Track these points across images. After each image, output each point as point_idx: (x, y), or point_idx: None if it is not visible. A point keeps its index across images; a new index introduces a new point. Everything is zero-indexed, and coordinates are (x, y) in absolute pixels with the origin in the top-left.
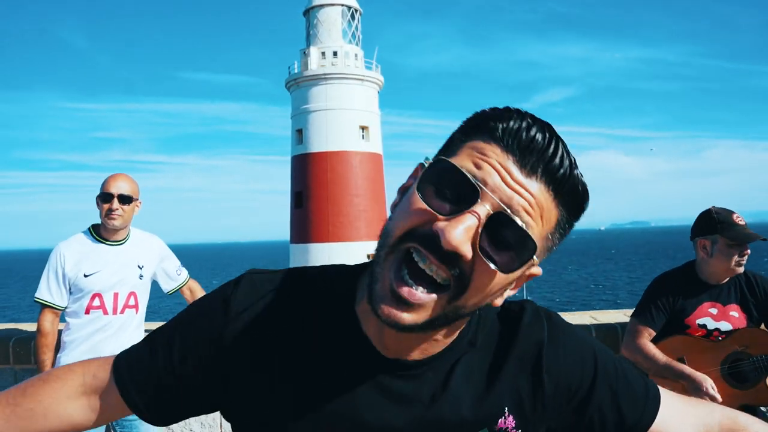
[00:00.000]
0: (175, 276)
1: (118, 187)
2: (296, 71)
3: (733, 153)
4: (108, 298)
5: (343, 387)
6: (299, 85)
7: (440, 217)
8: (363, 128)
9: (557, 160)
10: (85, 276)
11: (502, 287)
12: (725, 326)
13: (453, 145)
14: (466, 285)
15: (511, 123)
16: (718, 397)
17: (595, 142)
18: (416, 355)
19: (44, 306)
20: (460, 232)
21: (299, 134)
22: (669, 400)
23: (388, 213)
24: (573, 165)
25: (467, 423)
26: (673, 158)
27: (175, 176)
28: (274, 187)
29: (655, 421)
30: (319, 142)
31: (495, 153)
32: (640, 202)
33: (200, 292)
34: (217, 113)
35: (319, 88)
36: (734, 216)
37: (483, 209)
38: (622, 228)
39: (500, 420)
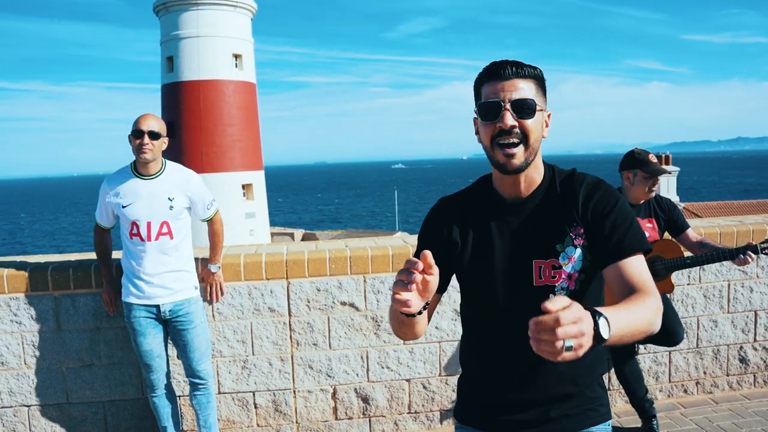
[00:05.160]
0: (204, 210)
1: (148, 125)
2: None
3: (584, 87)
4: (143, 227)
5: (495, 215)
6: (169, 9)
7: (498, 124)
8: (236, 56)
9: (513, 66)
10: (123, 207)
11: (539, 125)
12: None
13: (478, 94)
14: (527, 134)
15: (491, 67)
16: None
17: (459, 73)
18: (522, 194)
19: (96, 224)
20: (509, 119)
21: (169, 62)
22: (640, 260)
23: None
24: (521, 65)
25: (553, 226)
26: None
27: (16, 104)
28: (135, 117)
29: (623, 261)
30: (190, 71)
31: (494, 84)
32: None
33: (219, 225)
34: (64, 35)
35: (191, 13)
36: (650, 156)
37: (505, 105)
38: (482, 157)
39: (573, 228)
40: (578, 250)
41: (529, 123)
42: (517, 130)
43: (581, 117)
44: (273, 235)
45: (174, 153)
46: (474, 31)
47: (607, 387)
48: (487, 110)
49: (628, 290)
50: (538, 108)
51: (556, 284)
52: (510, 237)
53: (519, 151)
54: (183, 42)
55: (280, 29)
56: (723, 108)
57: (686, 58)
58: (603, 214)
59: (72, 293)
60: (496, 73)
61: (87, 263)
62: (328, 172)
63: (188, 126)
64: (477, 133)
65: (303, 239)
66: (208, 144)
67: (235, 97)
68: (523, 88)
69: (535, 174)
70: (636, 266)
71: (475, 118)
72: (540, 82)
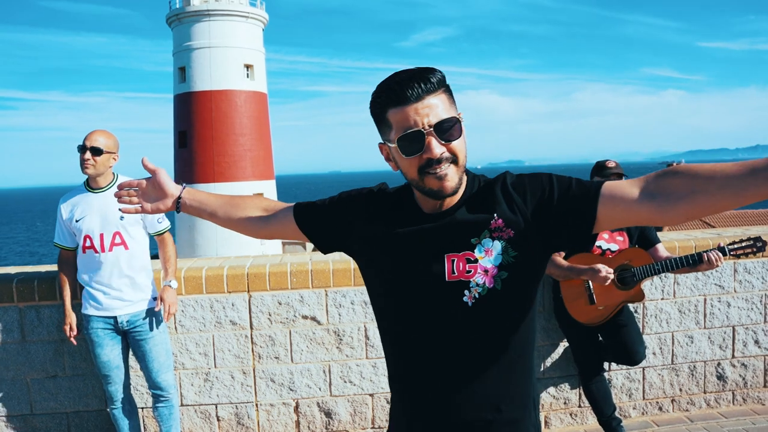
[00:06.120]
0: (155, 224)
1: (92, 141)
2: (178, 6)
3: (600, 95)
4: (96, 239)
5: (409, 221)
6: (181, 20)
7: (425, 155)
8: (248, 67)
9: (420, 83)
10: (76, 221)
11: (464, 139)
12: (614, 247)
13: (383, 121)
14: (456, 155)
15: (394, 89)
16: (610, 274)
17: (472, 82)
18: (443, 208)
19: (58, 247)
20: (436, 146)
21: (182, 72)
22: (613, 181)
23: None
24: (426, 77)
25: (469, 224)
26: (546, 100)
27: (37, 114)
28: (153, 126)
29: (603, 188)
30: (202, 81)
31: (403, 109)
32: (516, 141)
33: (170, 242)
34: (83, 46)
35: (202, 24)
36: (607, 162)
37: (427, 132)
38: (497, 167)
39: (491, 222)
40: (497, 243)
41: (456, 143)
42: (446, 154)
43: (596, 125)
44: (284, 244)
45: (186, 163)
46: (487, 40)
47: (578, 404)
48: (411, 143)
49: (642, 187)
50: (462, 123)
51: (471, 279)
52: (424, 238)
53: (451, 172)
54: (195, 53)
55: (294, 39)
56: (740, 116)
57: (702, 65)
58: (547, 190)
59: (37, 305)
60: (402, 96)
61: (52, 275)
62: (341, 182)
63: (200, 136)
64: (389, 160)
65: (314, 248)
66: (220, 154)
67: (246, 106)
68: (438, 105)
69: (459, 188)
70: (619, 182)
71: (381, 144)
72: (447, 87)
